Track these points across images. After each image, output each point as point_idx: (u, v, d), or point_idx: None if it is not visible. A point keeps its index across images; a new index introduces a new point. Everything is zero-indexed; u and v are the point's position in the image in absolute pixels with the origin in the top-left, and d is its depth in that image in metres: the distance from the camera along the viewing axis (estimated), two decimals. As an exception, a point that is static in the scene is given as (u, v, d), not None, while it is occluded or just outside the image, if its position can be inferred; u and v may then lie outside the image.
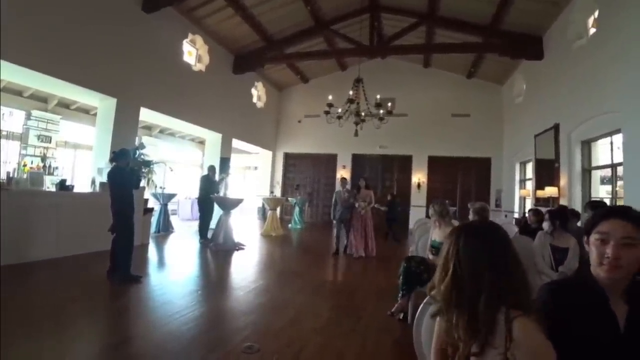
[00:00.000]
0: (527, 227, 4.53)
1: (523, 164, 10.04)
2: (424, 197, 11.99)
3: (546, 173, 7.66)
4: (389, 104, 8.58)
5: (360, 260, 6.67)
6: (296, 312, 3.68)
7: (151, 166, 7.08)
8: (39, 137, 8.04)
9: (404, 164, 12.47)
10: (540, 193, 7.48)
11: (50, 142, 8.25)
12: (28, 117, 8.01)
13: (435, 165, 12.18)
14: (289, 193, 12.96)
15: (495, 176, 11.56)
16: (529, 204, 8.76)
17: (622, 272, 1.04)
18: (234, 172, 12.23)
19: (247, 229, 9.87)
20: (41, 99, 8.27)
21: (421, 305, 1.57)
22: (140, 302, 3.83)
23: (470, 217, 3.68)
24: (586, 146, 6.51)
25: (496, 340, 0.98)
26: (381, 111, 8.23)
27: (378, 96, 8.01)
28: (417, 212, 11.51)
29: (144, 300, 3.88)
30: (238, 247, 7.00)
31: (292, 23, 9.73)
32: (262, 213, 12.51)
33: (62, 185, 5.55)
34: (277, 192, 12.89)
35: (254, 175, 15.14)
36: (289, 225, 11.37)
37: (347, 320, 3.51)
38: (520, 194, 9.85)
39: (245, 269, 5.62)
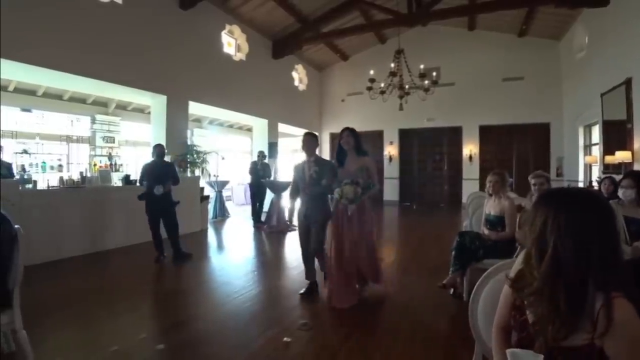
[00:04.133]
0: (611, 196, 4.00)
1: (588, 127, 9.05)
2: (476, 169, 11.34)
3: (616, 136, 6.82)
4: (434, 74, 8.20)
5: (415, 236, 6.47)
6: (349, 290, 3.75)
7: (203, 156, 7.53)
8: (104, 138, 8.86)
9: (454, 136, 11.82)
10: (609, 159, 6.68)
11: (113, 142, 9.06)
12: (93, 121, 8.82)
13: (488, 135, 11.37)
14: None
15: (555, 143, 10.53)
16: (595, 172, 7.96)
17: None
18: (282, 156, 12.48)
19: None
20: (102, 104, 9.04)
21: (477, 283, 1.51)
22: (202, 283, 4.15)
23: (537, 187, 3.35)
24: (667, 101, 5.71)
25: (583, 323, 0.89)
26: (426, 82, 7.88)
27: (421, 66, 7.64)
28: (469, 185, 10.95)
29: (205, 282, 4.21)
30: (290, 228, 7.23)
31: (326, 0, 9.49)
32: None
33: (127, 180, 6.10)
34: None
35: (302, 157, 15.22)
36: None
37: (400, 297, 3.52)
38: (585, 161, 8.96)
39: (298, 250, 5.72)
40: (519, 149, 11.03)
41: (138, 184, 5.06)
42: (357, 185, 3.20)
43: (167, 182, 4.89)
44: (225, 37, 9.00)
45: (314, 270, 3.70)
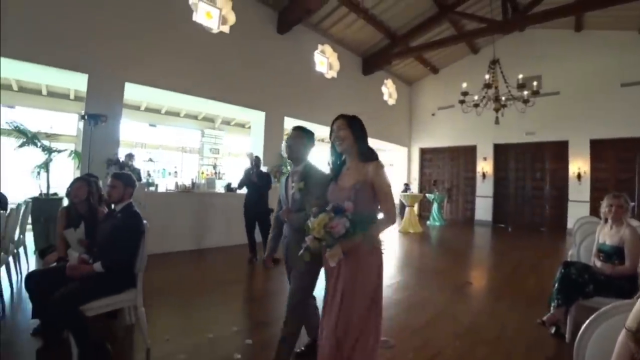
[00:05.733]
0: None
1: None
2: (586, 190, 9.85)
3: None
4: (535, 83, 7.47)
5: (509, 262, 5.92)
6: (434, 312, 3.61)
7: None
8: (210, 149, 10.09)
9: (559, 151, 10.49)
10: None
11: (218, 153, 10.26)
12: (202, 134, 10.13)
13: (601, 150, 9.77)
14: (427, 189, 12.44)
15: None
16: None
17: None
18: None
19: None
20: (210, 120, 10.33)
21: (586, 324, 1.32)
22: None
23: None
24: None
25: None
26: (525, 92, 7.26)
27: (520, 76, 7.06)
28: (577, 208, 9.56)
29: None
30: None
31: (415, 14, 9.42)
32: (400, 210, 12.53)
33: (228, 188, 6.85)
34: (414, 189, 12.71)
35: (390, 172, 15.13)
36: (428, 222, 11.10)
37: (491, 327, 3.25)
38: None
39: (383, 265, 5.71)
40: (645, 168, 9.31)
41: (238, 186, 5.62)
42: (336, 217, 1.67)
43: (265, 191, 5.37)
44: (317, 57, 9.55)
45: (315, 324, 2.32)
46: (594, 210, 4.33)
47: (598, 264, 2.96)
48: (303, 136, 2.30)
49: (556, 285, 2.98)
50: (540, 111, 9.29)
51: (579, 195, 9.96)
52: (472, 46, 11.55)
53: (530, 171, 11.10)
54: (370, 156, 1.91)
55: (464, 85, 7.34)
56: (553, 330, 3.00)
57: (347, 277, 1.79)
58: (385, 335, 2.90)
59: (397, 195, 11.92)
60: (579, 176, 10.04)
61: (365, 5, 8.57)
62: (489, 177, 11.64)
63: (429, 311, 3.61)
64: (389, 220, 1.85)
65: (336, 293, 1.82)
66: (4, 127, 5.29)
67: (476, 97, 7.56)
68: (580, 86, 9.98)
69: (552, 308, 2.95)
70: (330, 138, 2.00)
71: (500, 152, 11.59)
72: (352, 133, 1.95)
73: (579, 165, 10.09)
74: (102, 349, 2.31)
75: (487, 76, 7.41)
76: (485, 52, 10.70)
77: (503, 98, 7.61)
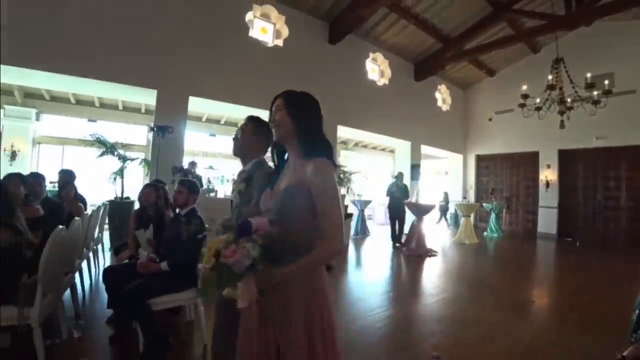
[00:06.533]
0: None
1: None
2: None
3: None
4: (606, 82, 6.76)
5: (576, 281, 5.45)
6: (490, 330, 3.40)
7: (349, 175, 8.18)
8: (265, 157, 10.56)
9: (637, 157, 9.37)
10: None
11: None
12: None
13: None
14: (484, 198, 11.80)
15: None
16: None
17: None
18: (425, 178, 12.31)
19: (438, 236, 9.80)
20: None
21: None
22: (339, 296, 4.40)
23: None
24: None
25: None
26: (595, 93, 6.59)
27: (588, 75, 6.44)
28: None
29: (342, 295, 4.45)
30: (430, 253, 7.02)
31: (467, 15, 9.03)
32: (455, 220, 12.09)
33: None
34: (471, 198, 12.18)
35: (444, 180, 14.59)
36: (484, 233, 10.51)
37: (555, 350, 2.98)
38: None
39: (437, 277, 5.58)
40: None
41: None
42: (238, 241, 1.08)
43: None
44: (369, 65, 9.58)
45: None
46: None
47: (687, 285, 2.61)
48: (254, 128, 1.87)
49: (637, 311, 2.65)
50: (613, 113, 8.35)
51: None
52: (531, 45, 10.80)
53: (602, 179, 10.03)
54: (316, 150, 1.32)
55: (524, 87, 6.89)
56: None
57: (275, 331, 1.23)
58: (437, 350, 2.84)
59: (436, 204, 11.45)
60: (662, 185, 8.89)
61: (416, 10, 8.46)
62: (554, 185, 10.73)
63: (485, 328, 3.42)
64: (330, 245, 1.20)
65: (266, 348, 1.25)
66: (88, 139, 6.01)
67: (538, 100, 7.04)
68: (662, 83, 8.84)
69: (632, 339, 2.61)
70: (269, 123, 1.43)
71: (566, 158, 10.63)
72: (290, 116, 1.36)
73: (663, 172, 8.94)
74: (165, 340, 2.52)
75: (550, 77, 6.88)
76: (547, 51, 9.97)
77: (569, 100, 7.00)
